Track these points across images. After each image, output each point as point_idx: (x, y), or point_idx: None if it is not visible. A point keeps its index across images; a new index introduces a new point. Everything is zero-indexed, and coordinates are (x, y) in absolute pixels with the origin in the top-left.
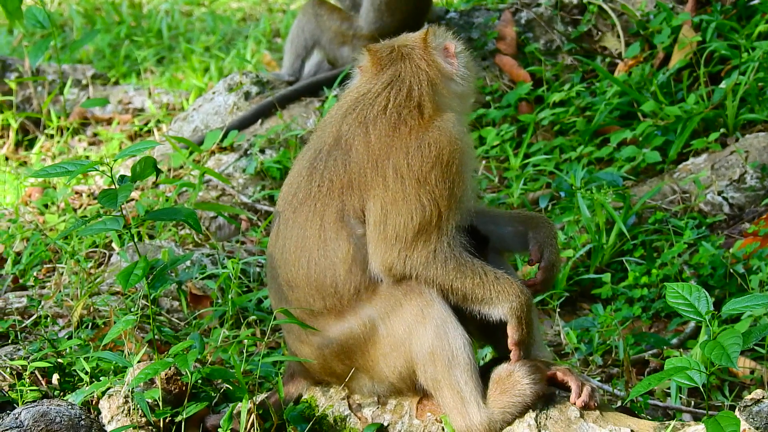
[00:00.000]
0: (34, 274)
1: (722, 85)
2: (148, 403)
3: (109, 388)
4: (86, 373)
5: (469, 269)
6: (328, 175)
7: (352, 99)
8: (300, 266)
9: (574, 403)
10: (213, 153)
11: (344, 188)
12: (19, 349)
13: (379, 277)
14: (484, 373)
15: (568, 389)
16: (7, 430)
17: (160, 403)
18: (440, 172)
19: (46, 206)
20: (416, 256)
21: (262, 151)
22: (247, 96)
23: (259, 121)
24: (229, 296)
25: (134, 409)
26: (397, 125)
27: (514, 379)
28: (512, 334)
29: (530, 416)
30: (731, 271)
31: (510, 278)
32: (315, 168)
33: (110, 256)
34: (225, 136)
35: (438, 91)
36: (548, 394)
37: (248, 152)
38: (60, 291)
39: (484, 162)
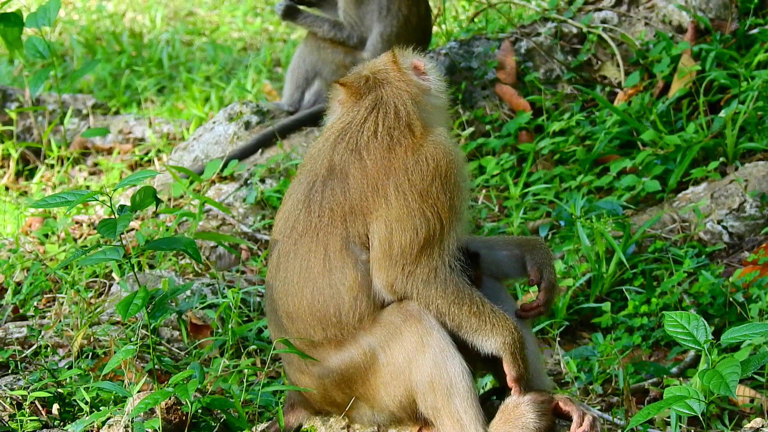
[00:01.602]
0: (35, 304)
1: (722, 114)
2: None
3: (109, 418)
4: (86, 403)
5: (467, 297)
6: (327, 204)
7: (338, 129)
8: (303, 297)
9: None
10: (213, 182)
11: (346, 215)
12: (19, 379)
13: (381, 295)
14: (483, 402)
15: (569, 419)
16: None
17: None
18: (440, 184)
19: (46, 236)
20: (419, 272)
21: (262, 180)
22: (247, 125)
23: (260, 150)
24: (230, 326)
25: None
26: (391, 147)
27: (520, 411)
28: (509, 371)
29: None
30: (731, 299)
31: (505, 314)
32: (312, 199)
33: (110, 285)
34: (225, 165)
35: (422, 108)
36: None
37: (248, 182)
38: (60, 321)
39: (484, 191)
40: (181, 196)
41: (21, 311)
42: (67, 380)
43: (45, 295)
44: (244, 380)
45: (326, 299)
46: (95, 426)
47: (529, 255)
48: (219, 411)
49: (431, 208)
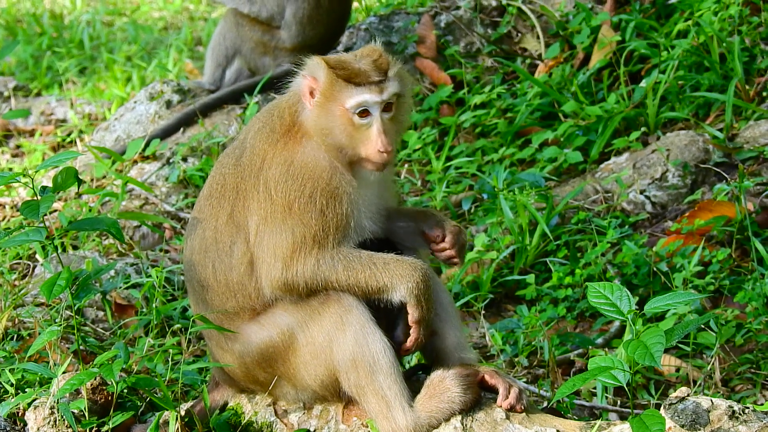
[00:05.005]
0: None
1: (642, 83)
2: (74, 413)
3: (34, 400)
4: (11, 384)
5: (358, 264)
6: (224, 172)
7: (278, 101)
8: (206, 266)
9: (501, 405)
10: (135, 162)
11: (233, 191)
12: None
13: (271, 295)
14: (409, 377)
15: (495, 391)
16: None
17: (86, 414)
18: (304, 203)
19: None
20: (300, 270)
21: (184, 159)
22: (168, 105)
23: (181, 129)
24: (154, 305)
25: (60, 419)
26: (273, 139)
27: (444, 386)
28: (412, 312)
29: (456, 419)
30: (655, 269)
31: (401, 259)
32: (221, 163)
33: (34, 267)
34: (147, 145)
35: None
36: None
37: (170, 161)
38: None
39: (406, 165)
40: (104, 177)
41: None
42: None
43: None
44: (169, 359)
45: (227, 268)
46: (21, 408)
47: (424, 224)
48: (144, 390)
49: (295, 221)
